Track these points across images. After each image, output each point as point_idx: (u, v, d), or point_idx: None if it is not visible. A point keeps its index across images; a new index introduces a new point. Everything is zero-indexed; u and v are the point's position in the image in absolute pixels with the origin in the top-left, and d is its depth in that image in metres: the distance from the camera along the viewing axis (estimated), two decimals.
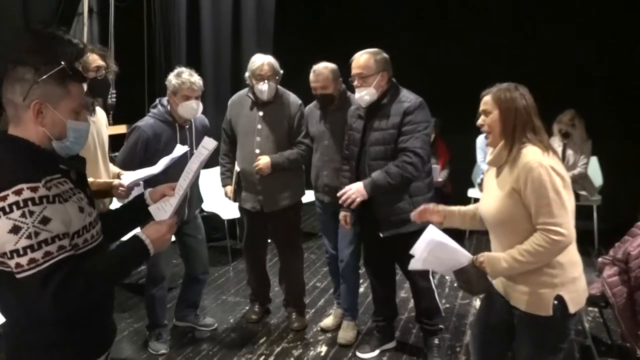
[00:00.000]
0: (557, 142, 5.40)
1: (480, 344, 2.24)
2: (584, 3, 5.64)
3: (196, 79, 3.15)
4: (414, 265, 1.99)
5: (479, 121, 2.05)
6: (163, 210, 1.62)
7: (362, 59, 2.90)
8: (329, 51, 3.43)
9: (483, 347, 2.23)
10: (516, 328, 2.04)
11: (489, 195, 2.06)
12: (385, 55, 2.94)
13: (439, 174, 5.44)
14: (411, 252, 1.98)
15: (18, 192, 1.29)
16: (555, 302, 1.90)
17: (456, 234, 2.11)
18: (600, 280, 2.89)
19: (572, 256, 1.96)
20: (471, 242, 5.27)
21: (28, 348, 1.43)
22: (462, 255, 1.93)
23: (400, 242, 2.81)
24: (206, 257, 3.53)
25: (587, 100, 5.42)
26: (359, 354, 3.25)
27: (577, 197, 5.20)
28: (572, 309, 1.92)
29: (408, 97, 2.90)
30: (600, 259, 2.99)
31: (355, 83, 2.91)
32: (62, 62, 1.38)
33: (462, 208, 2.25)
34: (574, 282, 1.95)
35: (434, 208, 2.23)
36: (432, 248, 1.92)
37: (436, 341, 3.18)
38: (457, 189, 5.60)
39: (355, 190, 2.82)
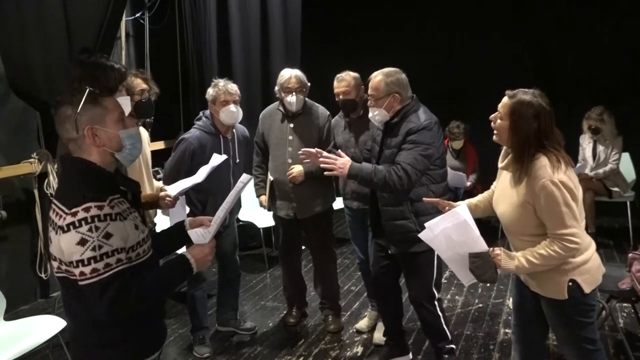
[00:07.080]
0: (587, 139, 5.38)
1: (520, 334, 2.38)
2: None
3: (231, 84, 3.37)
4: (423, 234, 2.13)
5: (492, 116, 2.17)
6: (202, 236, 1.82)
7: (374, 80, 2.88)
8: (352, 66, 3.52)
9: (523, 336, 2.36)
10: (545, 313, 2.20)
11: (504, 197, 2.20)
12: (400, 76, 2.86)
13: (468, 178, 5.48)
14: (426, 224, 2.12)
15: (87, 209, 1.47)
16: (570, 284, 2.06)
17: (489, 233, 2.22)
18: (630, 275, 2.92)
19: (581, 243, 2.08)
20: (503, 242, 5.27)
21: (91, 346, 1.62)
22: (481, 245, 2.05)
23: (406, 262, 2.88)
24: (237, 260, 3.69)
25: (619, 97, 5.39)
26: None
27: (610, 193, 5.18)
28: (586, 290, 2.08)
29: (416, 119, 2.81)
30: (630, 255, 3.01)
31: (369, 103, 2.93)
32: (87, 87, 1.54)
33: (472, 201, 2.44)
34: (585, 264, 2.09)
35: (444, 203, 2.40)
36: (453, 226, 2.03)
37: (446, 357, 3.06)
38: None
39: (341, 164, 2.74)
